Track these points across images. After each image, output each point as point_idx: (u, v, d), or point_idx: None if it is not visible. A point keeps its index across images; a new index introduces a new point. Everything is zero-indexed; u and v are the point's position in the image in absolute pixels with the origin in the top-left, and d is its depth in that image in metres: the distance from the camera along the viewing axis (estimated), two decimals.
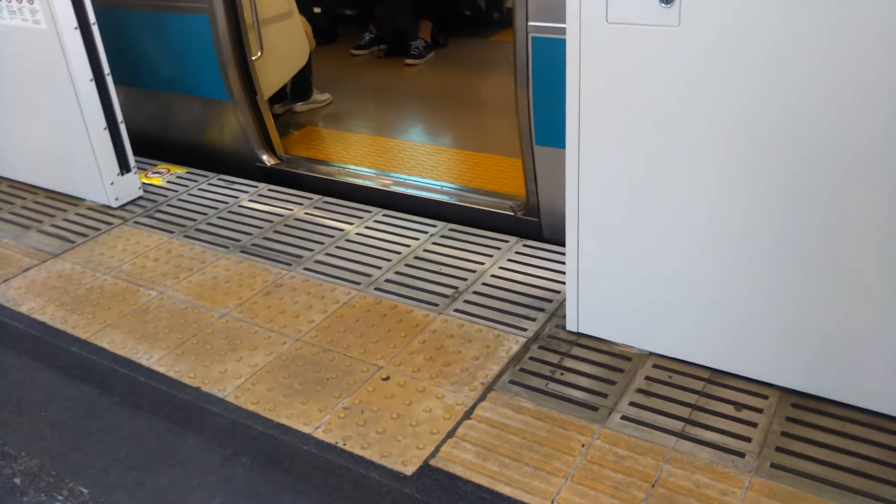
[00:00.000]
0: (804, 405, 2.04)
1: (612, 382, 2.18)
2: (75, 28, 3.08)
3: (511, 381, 2.21)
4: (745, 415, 2.03)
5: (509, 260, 2.81)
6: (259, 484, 1.93)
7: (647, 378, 2.18)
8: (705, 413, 2.04)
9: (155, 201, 3.46)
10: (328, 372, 2.30)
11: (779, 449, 1.92)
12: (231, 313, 2.62)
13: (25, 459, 2.08)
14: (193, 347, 2.45)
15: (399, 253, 2.91)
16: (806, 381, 2.06)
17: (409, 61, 5.36)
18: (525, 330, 2.42)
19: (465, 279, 2.72)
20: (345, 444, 2.03)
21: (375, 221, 3.15)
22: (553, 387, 2.18)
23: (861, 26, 1.64)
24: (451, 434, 2.04)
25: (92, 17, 3.12)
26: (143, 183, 3.58)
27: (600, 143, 2.07)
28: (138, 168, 3.53)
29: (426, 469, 1.93)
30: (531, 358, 2.30)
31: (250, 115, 3.69)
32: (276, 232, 3.13)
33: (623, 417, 2.05)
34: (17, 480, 2.01)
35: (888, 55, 1.64)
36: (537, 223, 3.02)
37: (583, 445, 1.97)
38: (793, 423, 1.99)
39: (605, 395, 2.13)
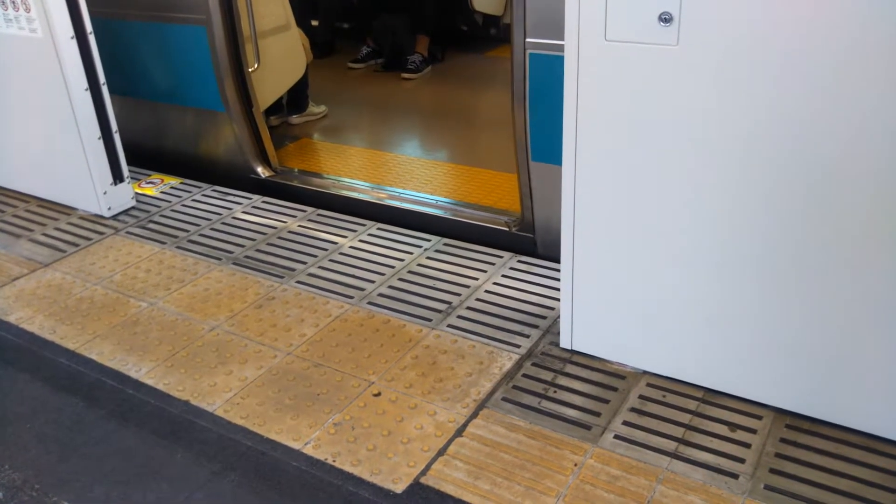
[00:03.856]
0: (798, 426, 2.03)
1: (606, 401, 2.16)
2: (72, 37, 3.07)
3: (504, 399, 2.19)
4: (739, 435, 2.01)
5: (503, 275, 2.80)
6: (247, 500, 1.90)
7: (641, 397, 2.17)
8: (699, 433, 2.03)
9: (148, 212, 3.45)
10: (319, 387, 2.28)
11: (772, 470, 1.90)
12: (222, 326, 2.59)
13: (9, 472, 2.04)
14: (183, 360, 2.43)
15: (393, 267, 2.90)
16: (800, 402, 2.05)
17: (406, 76, 5.37)
18: (518, 347, 2.41)
19: (458, 294, 2.70)
20: (334, 461, 2.01)
21: (369, 235, 3.14)
22: (546, 405, 2.16)
23: (862, 47, 1.64)
24: (442, 452, 2.02)
25: (88, 27, 3.12)
26: (136, 193, 3.56)
27: (597, 161, 2.06)
28: (131, 178, 3.51)
29: (417, 487, 1.91)
30: (524, 375, 2.28)
31: (245, 127, 3.68)
32: (269, 244, 3.11)
33: (616, 437, 2.03)
34: (0, 494, 1.98)
35: (889, 78, 1.64)
36: (532, 239, 3.01)
37: (575, 465, 1.95)
38: (787, 444, 1.98)
39: (598, 414, 2.11)
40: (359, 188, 3.63)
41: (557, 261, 2.35)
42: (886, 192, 1.73)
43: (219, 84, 3.55)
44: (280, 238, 3.16)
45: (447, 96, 5.13)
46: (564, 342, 2.37)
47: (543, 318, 2.54)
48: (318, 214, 3.34)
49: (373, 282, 2.81)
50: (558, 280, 2.36)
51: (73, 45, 3.09)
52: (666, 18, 1.81)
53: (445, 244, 3.04)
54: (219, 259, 3.02)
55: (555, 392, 2.21)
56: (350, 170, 3.91)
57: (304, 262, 2.96)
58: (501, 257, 2.92)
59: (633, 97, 1.94)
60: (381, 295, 2.72)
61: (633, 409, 2.12)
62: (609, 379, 2.25)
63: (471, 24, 6.05)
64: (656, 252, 2.08)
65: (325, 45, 5.88)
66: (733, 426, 2.04)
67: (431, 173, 3.80)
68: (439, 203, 3.41)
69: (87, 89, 3.17)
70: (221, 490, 1.94)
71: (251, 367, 2.38)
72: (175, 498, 1.92)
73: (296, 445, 2.06)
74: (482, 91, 5.17)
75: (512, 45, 2.67)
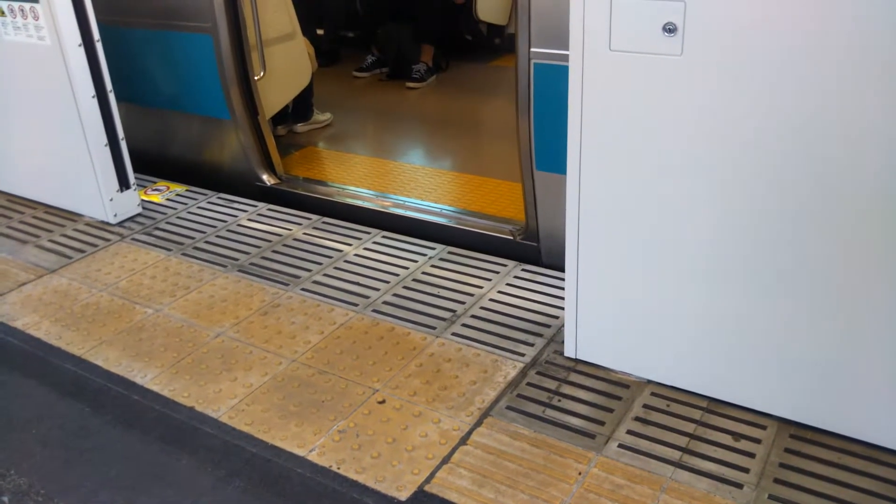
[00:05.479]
0: (802, 436, 2.03)
1: (610, 410, 2.16)
2: (79, 45, 3.09)
3: (508, 407, 2.19)
4: (743, 445, 2.01)
5: (508, 284, 2.81)
6: None
7: (645, 406, 2.17)
8: (703, 443, 2.03)
9: (153, 218, 3.46)
10: (324, 394, 2.29)
11: (777, 480, 1.90)
12: (227, 333, 2.60)
13: (14, 477, 2.05)
14: (188, 366, 2.44)
15: (397, 275, 2.90)
16: (804, 412, 2.05)
17: (411, 84, 5.39)
18: (523, 355, 2.41)
19: (463, 302, 2.71)
20: (339, 468, 2.01)
21: (374, 243, 3.15)
22: (550, 413, 2.16)
23: (867, 55, 1.65)
24: (446, 460, 2.02)
25: (96, 35, 3.14)
26: (143, 200, 3.57)
27: (601, 170, 2.07)
28: (138, 185, 3.53)
29: (421, 495, 1.91)
30: (529, 384, 2.28)
31: (251, 135, 3.70)
32: (274, 252, 3.13)
33: (620, 446, 2.04)
34: (6, 499, 1.99)
35: (891, 88, 1.65)
36: (536, 248, 3.02)
37: (579, 473, 1.95)
38: (791, 454, 1.98)
39: (602, 423, 2.12)
40: (363, 196, 3.64)
41: (562, 270, 2.35)
42: (890, 203, 1.73)
43: (224, 92, 3.57)
44: (285, 245, 3.17)
45: (451, 105, 5.14)
46: (569, 351, 2.37)
47: (548, 326, 2.55)
48: (323, 222, 3.35)
49: (377, 289, 2.81)
50: (562, 289, 2.37)
51: (81, 52, 3.11)
52: (670, 29, 1.82)
53: (450, 252, 3.04)
54: (224, 266, 3.03)
55: (559, 401, 2.21)
56: (355, 178, 3.92)
57: (310, 270, 2.97)
58: (506, 266, 2.93)
59: (637, 107, 1.95)
60: (385, 303, 2.73)
61: (637, 419, 2.12)
62: (613, 388, 2.25)
63: (475, 33, 6.07)
64: (660, 261, 2.09)
65: (330, 54, 5.91)
66: (737, 436, 2.04)
67: (436, 182, 3.81)
68: (444, 211, 3.42)
69: (94, 96, 3.19)
70: (226, 496, 1.94)
71: (256, 374, 2.38)
72: None
73: (300, 452, 2.07)
74: (486, 100, 5.18)
75: (517, 55, 2.68)
